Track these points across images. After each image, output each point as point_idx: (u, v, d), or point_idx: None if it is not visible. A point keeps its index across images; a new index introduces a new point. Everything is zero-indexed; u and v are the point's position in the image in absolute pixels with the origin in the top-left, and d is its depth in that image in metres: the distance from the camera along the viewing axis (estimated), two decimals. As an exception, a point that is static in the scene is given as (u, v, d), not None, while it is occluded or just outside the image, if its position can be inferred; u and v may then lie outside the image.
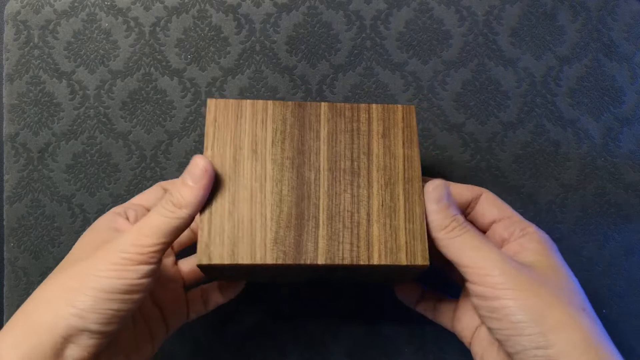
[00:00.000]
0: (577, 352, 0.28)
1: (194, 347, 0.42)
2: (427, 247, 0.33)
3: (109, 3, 0.43)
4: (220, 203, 0.33)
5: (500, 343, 0.30)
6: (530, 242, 0.33)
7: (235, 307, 0.42)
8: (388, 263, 0.33)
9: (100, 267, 0.29)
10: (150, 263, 0.30)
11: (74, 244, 0.42)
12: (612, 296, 0.43)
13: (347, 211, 0.33)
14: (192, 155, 0.43)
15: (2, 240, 0.43)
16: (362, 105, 0.35)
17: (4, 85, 0.43)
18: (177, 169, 0.43)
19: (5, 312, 0.42)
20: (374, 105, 0.35)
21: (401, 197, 0.34)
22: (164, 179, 0.42)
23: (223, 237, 0.32)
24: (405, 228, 0.33)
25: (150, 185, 0.43)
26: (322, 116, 0.35)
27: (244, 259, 0.32)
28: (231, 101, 0.34)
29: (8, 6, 0.43)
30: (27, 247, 0.42)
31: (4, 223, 0.43)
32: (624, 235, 0.42)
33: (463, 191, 0.37)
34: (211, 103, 0.34)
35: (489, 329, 0.31)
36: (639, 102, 0.43)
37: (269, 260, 0.32)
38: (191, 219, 0.32)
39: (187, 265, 0.39)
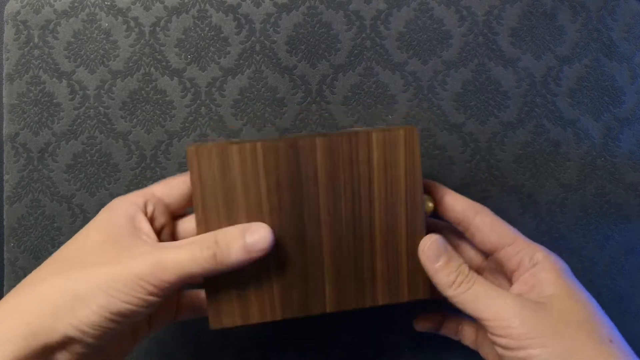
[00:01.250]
0: None
1: (194, 347, 0.42)
2: (428, 279, 0.33)
3: (109, 3, 0.43)
4: None
5: None
6: (542, 271, 0.32)
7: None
8: (392, 302, 0.33)
9: (113, 286, 0.28)
10: (160, 297, 0.29)
11: (74, 244, 0.42)
12: (612, 296, 0.43)
13: (351, 257, 0.33)
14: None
15: (2, 240, 0.43)
16: (361, 135, 0.32)
17: (4, 85, 0.43)
18: (177, 169, 0.43)
19: (5, 312, 0.42)
20: (373, 133, 0.32)
21: (403, 236, 0.33)
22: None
23: (231, 298, 0.32)
24: (408, 265, 0.33)
25: (150, 185, 0.43)
26: (319, 157, 0.32)
27: (255, 318, 0.32)
28: (213, 148, 0.31)
29: (8, 6, 0.43)
30: (27, 247, 0.42)
31: (4, 223, 0.43)
32: (624, 235, 0.42)
33: (457, 204, 0.35)
34: (191, 153, 0.31)
35: None
36: (639, 102, 0.43)
37: (279, 316, 0.32)
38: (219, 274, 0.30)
39: None
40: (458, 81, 0.43)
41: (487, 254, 0.35)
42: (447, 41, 0.43)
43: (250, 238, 0.30)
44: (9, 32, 0.43)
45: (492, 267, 0.36)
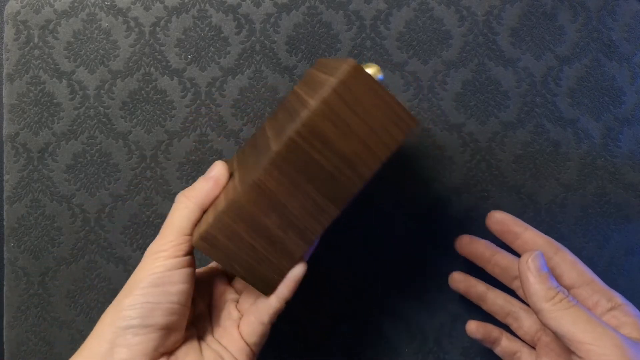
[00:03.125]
0: None
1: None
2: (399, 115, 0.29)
3: (109, 3, 0.43)
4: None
5: None
6: (624, 315, 0.32)
7: (235, 307, 0.42)
8: (377, 163, 0.30)
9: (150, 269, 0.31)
10: (177, 256, 0.31)
11: (74, 243, 0.43)
12: (612, 296, 0.43)
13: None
14: (192, 156, 0.43)
15: (2, 240, 0.43)
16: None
17: (4, 85, 0.43)
18: (177, 169, 0.43)
19: (5, 312, 0.42)
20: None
21: None
22: (164, 179, 0.43)
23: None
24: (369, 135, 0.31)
25: (150, 185, 0.43)
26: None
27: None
28: (218, 234, 0.32)
29: (8, 6, 0.43)
30: (27, 247, 0.42)
31: (4, 223, 0.43)
32: (624, 235, 0.42)
33: (538, 240, 0.36)
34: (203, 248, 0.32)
35: None
36: (639, 102, 0.43)
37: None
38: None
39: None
40: (458, 81, 0.43)
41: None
42: (447, 41, 0.43)
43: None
44: (9, 32, 0.43)
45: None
